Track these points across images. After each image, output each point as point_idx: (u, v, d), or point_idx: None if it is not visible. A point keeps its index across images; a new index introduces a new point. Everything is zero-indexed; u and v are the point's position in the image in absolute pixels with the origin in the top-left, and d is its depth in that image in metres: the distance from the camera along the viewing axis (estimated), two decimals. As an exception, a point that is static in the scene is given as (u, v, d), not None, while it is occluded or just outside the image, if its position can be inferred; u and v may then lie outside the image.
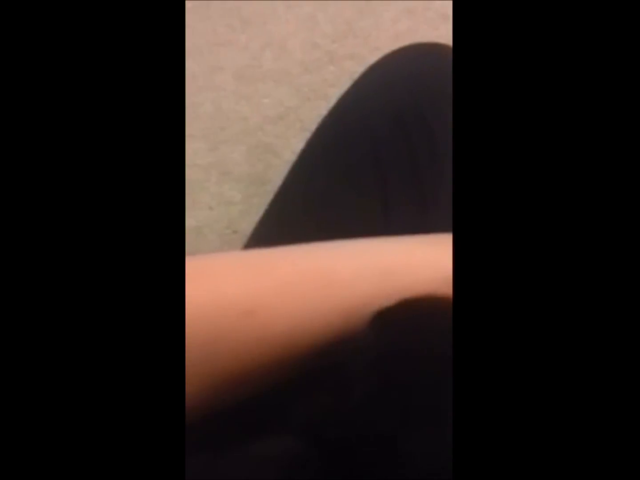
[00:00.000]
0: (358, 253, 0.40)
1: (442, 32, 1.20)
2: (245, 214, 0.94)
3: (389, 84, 0.58)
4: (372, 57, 0.63)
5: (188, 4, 1.09)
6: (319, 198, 0.54)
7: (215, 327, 0.36)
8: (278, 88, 1.12)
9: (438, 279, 0.38)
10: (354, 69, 0.63)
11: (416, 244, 0.41)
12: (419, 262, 0.39)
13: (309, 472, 0.30)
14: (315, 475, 0.30)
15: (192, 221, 0.98)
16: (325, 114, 0.61)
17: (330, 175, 0.55)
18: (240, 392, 0.39)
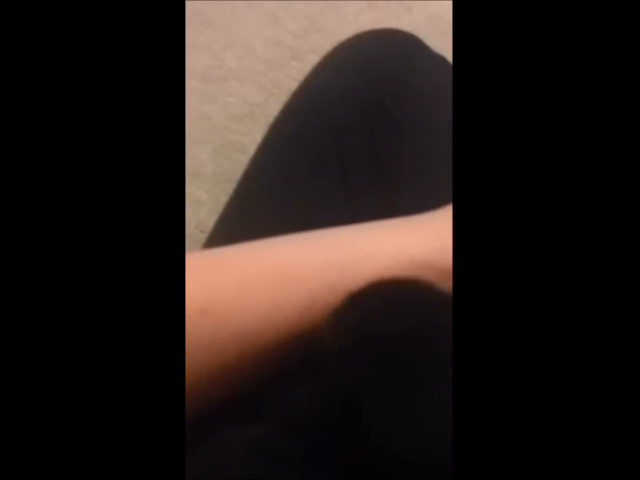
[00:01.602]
0: (319, 245, 0.40)
1: (404, 22, 1.20)
2: (213, 214, 0.93)
3: (346, 71, 0.58)
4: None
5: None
6: (282, 188, 0.53)
7: None
8: (242, 86, 1.10)
9: (403, 263, 0.38)
10: (318, 64, 0.62)
11: (378, 230, 0.41)
12: (381, 249, 0.39)
13: (278, 457, 0.29)
14: (286, 459, 0.29)
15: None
16: (284, 104, 0.60)
17: (292, 164, 0.54)
18: (209, 389, 0.38)
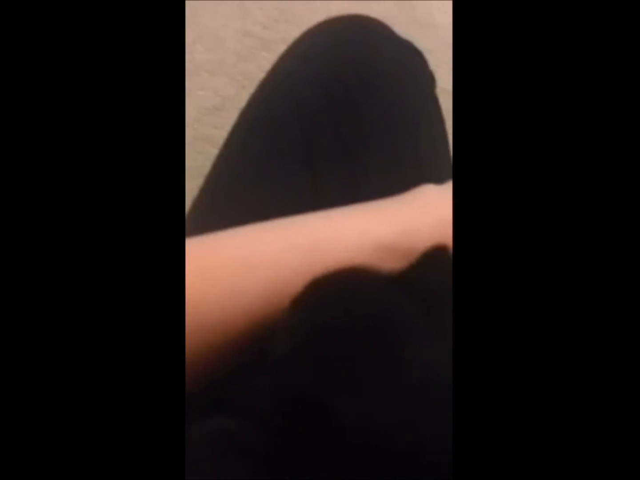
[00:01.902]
0: (283, 233, 0.40)
1: (374, 11, 1.19)
2: (188, 208, 0.92)
3: (313, 57, 0.57)
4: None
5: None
6: (250, 177, 0.53)
7: None
8: (213, 79, 1.10)
9: (366, 247, 0.38)
10: (289, 54, 0.62)
11: (343, 215, 0.41)
12: (346, 234, 0.39)
13: (247, 449, 0.29)
14: (255, 452, 0.29)
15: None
16: (252, 93, 0.60)
17: (259, 152, 0.54)
18: None
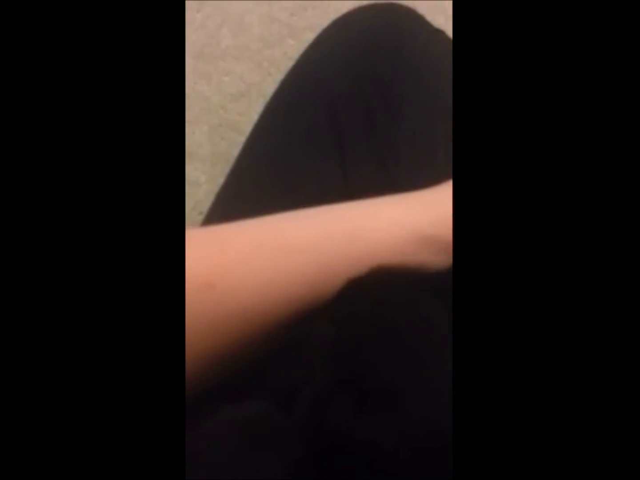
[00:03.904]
0: (320, 220, 0.39)
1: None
2: (211, 195, 0.92)
3: (343, 43, 0.57)
4: (332, 28, 0.62)
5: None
6: (278, 165, 0.53)
7: None
8: (238, 64, 1.09)
9: (401, 237, 0.38)
10: (315, 41, 0.61)
11: (379, 205, 0.41)
12: (383, 223, 0.39)
13: (273, 432, 0.30)
14: (280, 435, 0.29)
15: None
16: (281, 80, 0.59)
17: (289, 140, 0.53)
18: (211, 364, 0.38)
